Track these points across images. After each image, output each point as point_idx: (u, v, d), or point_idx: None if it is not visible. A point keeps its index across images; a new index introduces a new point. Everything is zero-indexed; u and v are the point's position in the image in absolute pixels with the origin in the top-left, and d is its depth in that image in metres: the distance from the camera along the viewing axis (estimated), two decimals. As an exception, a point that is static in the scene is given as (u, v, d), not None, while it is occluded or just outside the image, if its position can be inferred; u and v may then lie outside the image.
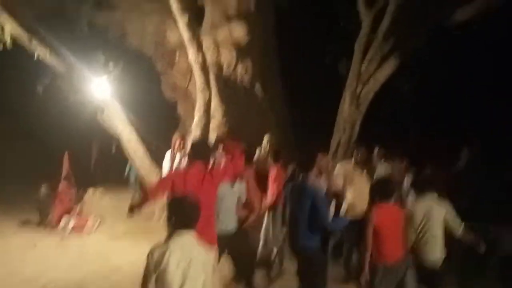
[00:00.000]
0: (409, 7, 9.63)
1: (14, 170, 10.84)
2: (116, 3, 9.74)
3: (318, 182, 5.09)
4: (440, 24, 9.67)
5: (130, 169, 9.79)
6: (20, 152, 11.70)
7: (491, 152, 8.31)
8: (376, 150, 7.47)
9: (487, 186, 7.80)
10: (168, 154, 7.56)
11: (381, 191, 4.83)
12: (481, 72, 11.45)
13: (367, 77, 9.23)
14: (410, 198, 6.38)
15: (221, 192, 4.87)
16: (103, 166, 11.11)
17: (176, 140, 7.55)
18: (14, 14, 8.04)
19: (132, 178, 9.84)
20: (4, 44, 8.03)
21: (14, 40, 8.09)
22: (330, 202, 4.93)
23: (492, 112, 11.22)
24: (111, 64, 8.71)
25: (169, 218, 3.29)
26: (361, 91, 9.14)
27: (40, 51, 8.23)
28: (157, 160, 7.92)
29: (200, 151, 4.66)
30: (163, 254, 3.08)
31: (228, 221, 5.07)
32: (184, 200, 3.38)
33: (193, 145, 4.86)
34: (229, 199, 5.08)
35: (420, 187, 5.18)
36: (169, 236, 3.19)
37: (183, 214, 3.24)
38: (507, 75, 11.06)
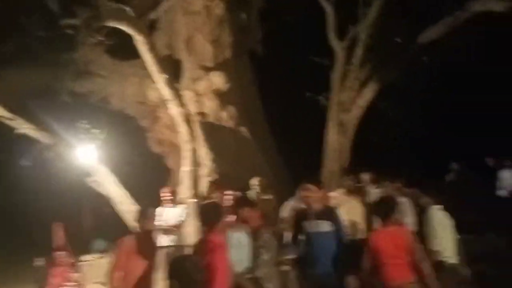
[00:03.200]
0: (379, 34, 9.96)
1: (7, 245, 10.67)
2: (95, 70, 10.00)
3: None
4: (410, 48, 9.93)
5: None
6: (12, 224, 11.56)
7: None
8: (365, 176, 7.41)
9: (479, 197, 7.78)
10: (158, 210, 7.52)
11: (379, 212, 4.74)
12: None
13: (348, 104, 9.37)
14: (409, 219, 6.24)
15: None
16: (96, 230, 10.96)
17: (165, 193, 7.56)
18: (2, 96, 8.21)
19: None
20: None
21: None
22: None
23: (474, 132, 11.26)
24: (96, 129, 8.80)
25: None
26: (344, 119, 9.26)
27: (25, 128, 8.31)
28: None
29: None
30: None
31: None
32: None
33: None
34: None
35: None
36: None
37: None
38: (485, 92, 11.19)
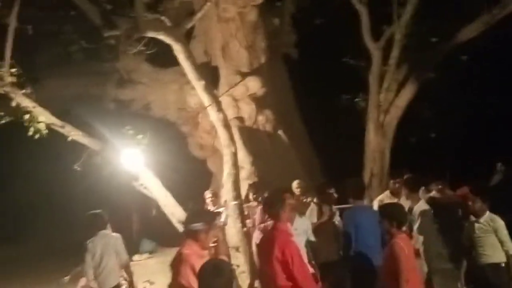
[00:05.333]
0: (415, 33, 9.93)
1: (58, 247, 11.11)
2: (137, 78, 10.35)
3: None
4: (447, 46, 9.84)
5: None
6: (64, 226, 12.05)
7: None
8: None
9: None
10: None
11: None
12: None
13: (387, 106, 9.38)
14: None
15: None
16: (145, 232, 11.32)
17: (207, 196, 7.77)
18: (47, 102, 8.59)
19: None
20: (40, 133, 8.47)
21: (48, 128, 8.54)
22: None
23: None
24: (139, 135, 9.08)
25: None
26: (383, 120, 9.26)
27: (73, 134, 8.66)
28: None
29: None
30: None
31: None
32: None
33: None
34: None
35: None
36: None
37: None
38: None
